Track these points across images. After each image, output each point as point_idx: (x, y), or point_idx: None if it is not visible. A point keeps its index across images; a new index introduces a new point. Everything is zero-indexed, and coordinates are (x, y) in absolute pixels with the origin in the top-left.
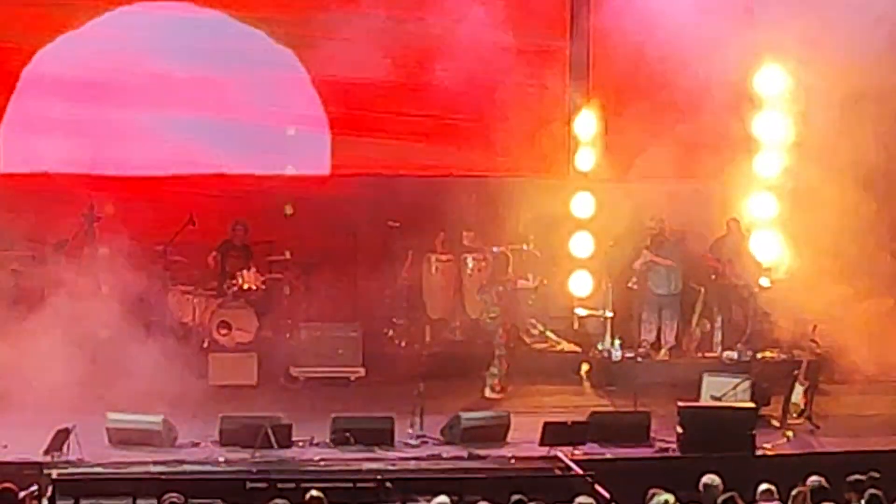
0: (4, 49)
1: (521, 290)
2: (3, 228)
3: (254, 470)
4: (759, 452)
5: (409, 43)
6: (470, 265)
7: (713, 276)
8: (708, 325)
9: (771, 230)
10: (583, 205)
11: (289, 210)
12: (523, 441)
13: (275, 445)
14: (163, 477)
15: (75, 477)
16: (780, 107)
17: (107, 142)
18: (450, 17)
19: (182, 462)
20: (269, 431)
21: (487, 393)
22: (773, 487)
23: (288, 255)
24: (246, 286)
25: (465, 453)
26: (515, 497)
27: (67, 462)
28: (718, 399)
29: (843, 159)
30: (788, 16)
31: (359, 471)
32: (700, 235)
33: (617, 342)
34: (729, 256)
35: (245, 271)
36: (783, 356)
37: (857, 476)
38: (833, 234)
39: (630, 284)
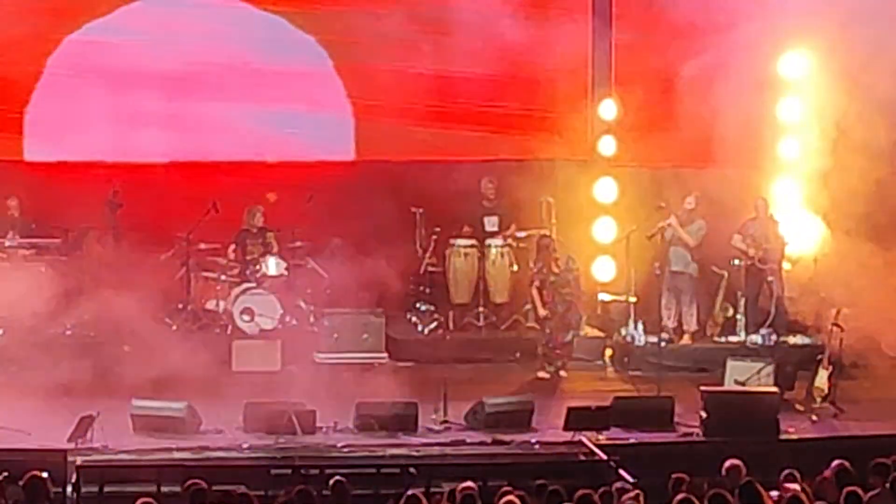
0: (30, 36)
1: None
2: (29, 216)
3: (278, 456)
4: (783, 437)
5: (431, 29)
6: (493, 251)
7: (737, 261)
8: (731, 310)
9: (796, 214)
10: (606, 190)
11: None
12: (547, 426)
13: (299, 432)
14: (187, 463)
15: (99, 464)
16: (804, 90)
17: (131, 129)
18: (472, 2)
19: (206, 448)
20: (293, 418)
21: (539, 374)
22: (795, 472)
23: (301, 243)
24: (269, 273)
25: (488, 439)
26: (539, 482)
27: (91, 449)
28: (742, 384)
29: (870, 143)
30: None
31: (382, 456)
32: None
33: (640, 327)
34: (756, 238)
35: (268, 257)
36: (807, 340)
37: (881, 460)
38: (859, 218)
39: (654, 270)
